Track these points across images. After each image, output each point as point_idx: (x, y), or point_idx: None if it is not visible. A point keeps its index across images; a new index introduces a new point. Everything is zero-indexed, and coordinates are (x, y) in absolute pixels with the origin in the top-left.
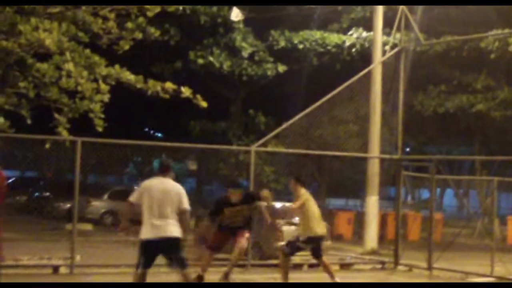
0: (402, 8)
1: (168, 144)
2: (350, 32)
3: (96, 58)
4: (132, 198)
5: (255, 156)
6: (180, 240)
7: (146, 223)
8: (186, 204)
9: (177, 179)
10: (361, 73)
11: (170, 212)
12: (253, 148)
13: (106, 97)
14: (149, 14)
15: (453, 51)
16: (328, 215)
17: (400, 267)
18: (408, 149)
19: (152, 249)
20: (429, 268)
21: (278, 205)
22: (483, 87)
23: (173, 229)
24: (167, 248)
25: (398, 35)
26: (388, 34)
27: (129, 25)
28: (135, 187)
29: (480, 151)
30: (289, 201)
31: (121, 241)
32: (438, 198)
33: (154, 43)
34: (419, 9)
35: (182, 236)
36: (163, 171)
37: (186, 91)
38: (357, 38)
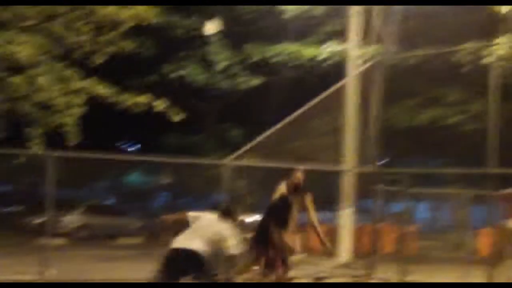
0: (376, 21)
1: (143, 158)
2: (325, 45)
3: (69, 71)
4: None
5: (229, 169)
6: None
7: None
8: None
9: (151, 193)
10: (336, 86)
11: None
12: (228, 161)
13: (80, 111)
14: (124, 27)
15: (426, 64)
16: (302, 229)
17: (374, 280)
18: (382, 162)
19: None
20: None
21: (249, 218)
22: (456, 100)
23: None
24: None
25: (372, 48)
26: (363, 47)
27: (104, 38)
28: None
29: (454, 164)
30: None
31: (95, 255)
32: (412, 211)
33: (129, 56)
34: (394, 22)
35: None
36: (224, 214)
37: (160, 104)
38: (332, 51)
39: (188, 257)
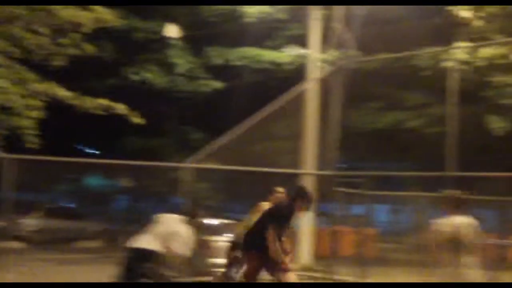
0: (337, 26)
1: (102, 161)
2: (286, 50)
3: (29, 74)
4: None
5: (189, 172)
6: None
7: None
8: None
9: (112, 196)
10: (296, 90)
11: None
12: (188, 164)
13: (40, 114)
14: (84, 29)
15: (387, 68)
16: None
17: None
18: (343, 166)
19: None
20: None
21: (212, 221)
22: (417, 104)
23: None
24: None
25: (333, 53)
26: (324, 52)
27: (64, 41)
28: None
29: (415, 167)
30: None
31: (54, 259)
32: (371, 214)
33: (89, 59)
34: (355, 26)
35: None
36: (186, 215)
37: (120, 108)
38: (293, 55)
39: (143, 257)
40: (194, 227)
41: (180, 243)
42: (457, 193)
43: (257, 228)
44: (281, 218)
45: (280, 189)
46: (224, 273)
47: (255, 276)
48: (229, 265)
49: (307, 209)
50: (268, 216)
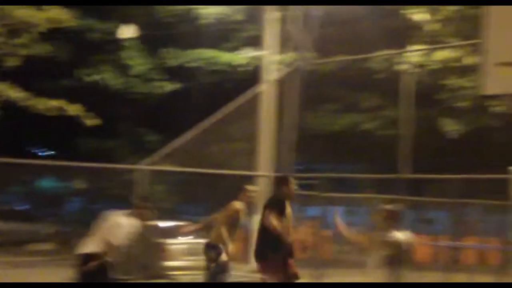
0: (293, 27)
1: (56, 162)
2: (242, 51)
3: None
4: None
5: (143, 174)
6: None
7: None
8: None
9: (65, 198)
10: (252, 92)
11: None
12: (142, 166)
13: None
14: (39, 29)
15: (342, 70)
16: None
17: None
18: (299, 167)
19: None
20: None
21: (165, 224)
22: (372, 106)
23: None
24: None
25: (289, 54)
26: (280, 53)
27: (17, 41)
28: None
29: (370, 169)
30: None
31: (5, 262)
32: (327, 216)
33: (44, 59)
34: (311, 29)
35: None
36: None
37: (74, 109)
38: (249, 57)
39: (88, 262)
40: (140, 219)
41: (120, 234)
42: (396, 207)
43: (261, 234)
44: (279, 204)
45: (252, 188)
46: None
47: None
48: (211, 269)
49: (292, 197)
50: (267, 209)
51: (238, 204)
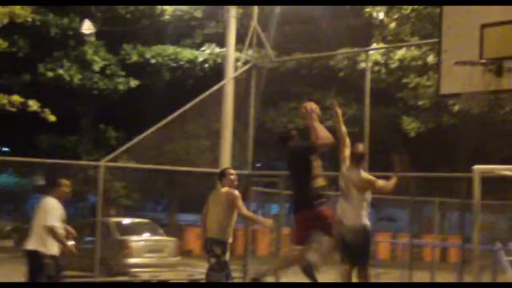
0: (254, 25)
1: (15, 158)
2: (203, 48)
3: None
4: None
5: (104, 171)
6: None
7: None
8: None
9: (25, 194)
10: (213, 89)
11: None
12: (103, 163)
13: None
14: None
15: (304, 68)
16: (178, 231)
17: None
18: (260, 165)
19: None
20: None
21: (127, 221)
22: (332, 104)
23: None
24: None
25: (250, 52)
26: (241, 51)
27: None
28: None
29: (328, 166)
30: (139, 216)
31: None
32: (287, 213)
33: (2, 54)
34: (272, 26)
35: None
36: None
37: (33, 105)
38: (210, 54)
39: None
40: (58, 197)
41: (46, 215)
42: None
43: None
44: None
45: (232, 171)
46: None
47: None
48: (213, 269)
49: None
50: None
51: (224, 189)
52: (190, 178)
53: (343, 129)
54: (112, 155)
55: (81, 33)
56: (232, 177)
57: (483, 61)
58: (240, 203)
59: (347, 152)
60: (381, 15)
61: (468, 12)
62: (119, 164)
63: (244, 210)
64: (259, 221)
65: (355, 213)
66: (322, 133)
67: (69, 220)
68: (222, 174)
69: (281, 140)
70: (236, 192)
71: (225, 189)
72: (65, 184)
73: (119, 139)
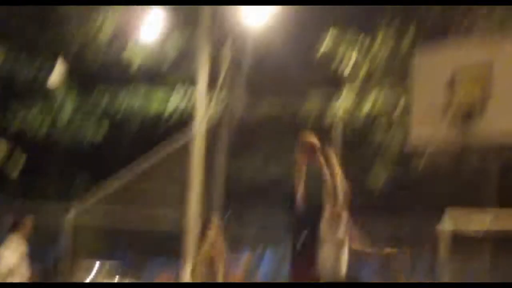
0: (226, 69)
1: None
2: (173, 94)
3: None
4: None
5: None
6: None
7: None
8: None
9: None
10: (182, 136)
11: None
12: (72, 210)
13: None
14: None
15: (273, 116)
16: None
17: None
18: (227, 214)
19: None
20: None
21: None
22: None
23: None
24: None
25: (222, 96)
26: (213, 95)
27: None
28: None
29: None
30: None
31: None
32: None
33: None
34: (244, 73)
35: None
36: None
37: (3, 149)
38: (181, 97)
39: None
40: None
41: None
42: None
43: None
44: None
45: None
46: None
47: None
48: None
49: None
50: None
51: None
52: (158, 226)
53: None
54: (79, 203)
55: (51, 80)
56: (213, 230)
57: (455, 104)
58: None
59: None
60: (352, 58)
61: (439, 55)
62: (89, 211)
63: None
64: None
65: None
66: None
67: None
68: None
69: None
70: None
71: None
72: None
73: (86, 186)
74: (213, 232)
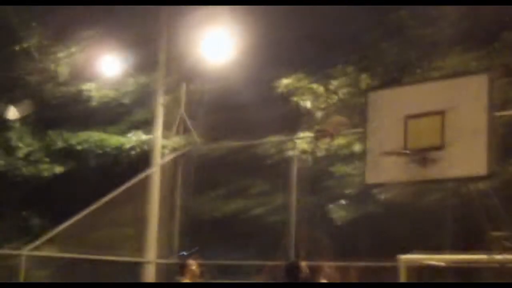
0: (181, 112)
1: None
2: (130, 135)
3: None
4: None
5: (26, 260)
6: None
7: None
8: None
9: None
10: (139, 176)
11: None
12: (25, 251)
13: None
14: None
15: (231, 156)
16: None
17: None
18: (187, 253)
19: None
20: None
21: None
22: (260, 192)
23: None
24: None
25: (177, 139)
26: (170, 137)
27: None
28: None
29: (257, 256)
30: None
31: None
32: None
33: None
34: (200, 113)
35: None
36: None
37: None
38: (137, 140)
39: None
40: None
41: None
42: None
43: None
44: None
45: (192, 262)
46: None
47: None
48: None
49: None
50: None
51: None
52: (115, 267)
53: None
54: (35, 244)
55: (6, 118)
56: (193, 267)
57: (407, 151)
58: None
59: None
60: (308, 104)
61: (393, 103)
62: (41, 253)
63: None
64: None
65: None
66: None
67: None
68: (182, 266)
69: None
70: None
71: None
72: None
73: (43, 226)
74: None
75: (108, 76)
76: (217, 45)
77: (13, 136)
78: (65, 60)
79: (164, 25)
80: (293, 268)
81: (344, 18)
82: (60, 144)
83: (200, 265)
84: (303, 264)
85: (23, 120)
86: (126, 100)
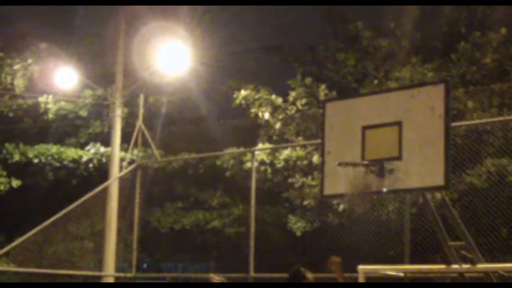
0: (139, 124)
1: None
2: (88, 147)
3: None
4: None
5: None
6: None
7: None
8: None
9: None
10: (97, 189)
11: None
12: None
13: None
14: None
15: (190, 168)
16: None
17: None
18: (144, 266)
19: None
20: None
21: None
22: (219, 204)
23: None
24: None
25: (135, 151)
26: (126, 150)
27: None
28: None
29: (216, 267)
30: None
31: None
32: None
33: None
34: (158, 126)
35: None
36: None
37: None
38: (95, 153)
39: None
40: None
41: None
42: None
43: None
44: None
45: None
46: None
47: None
48: None
49: None
50: None
51: None
52: (73, 281)
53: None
54: None
55: None
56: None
57: (365, 162)
58: None
59: None
60: (266, 116)
61: (350, 114)
62: None
63: None
64: None
65: None
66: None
67: None
68: None
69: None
70: None
71: None
72: None
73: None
74: None
75: (65, 88)
76: (175, 57)
77: None
78: (21, 72)
79: (121, 37)
80: (297, 275)
81: (302, 29)
82: (16, 157)
83: None
84: (307, 271)
85: None
86: (83, 113)
